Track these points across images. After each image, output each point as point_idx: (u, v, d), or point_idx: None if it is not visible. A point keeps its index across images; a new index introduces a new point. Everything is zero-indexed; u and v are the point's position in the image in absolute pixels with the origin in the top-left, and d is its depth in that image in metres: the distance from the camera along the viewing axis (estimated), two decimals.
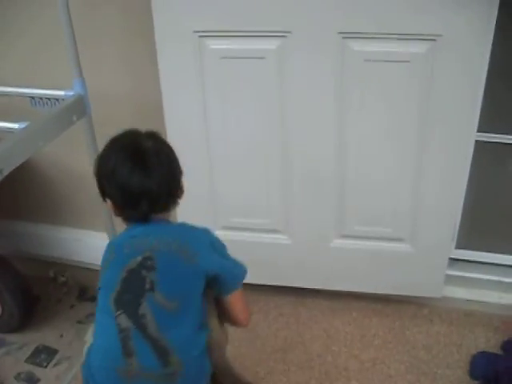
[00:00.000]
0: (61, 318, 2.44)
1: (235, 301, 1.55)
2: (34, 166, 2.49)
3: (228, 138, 2.05)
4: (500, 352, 2.10)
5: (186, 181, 2.11)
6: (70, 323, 2.40)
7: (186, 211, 2.20)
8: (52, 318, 2.43)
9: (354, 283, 2.29)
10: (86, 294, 2.56)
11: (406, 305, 2.33)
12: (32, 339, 2.30)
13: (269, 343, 2.20)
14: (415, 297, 2.30)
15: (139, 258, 1.41)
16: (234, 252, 2.22)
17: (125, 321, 1.38)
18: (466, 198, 2.18)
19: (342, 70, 1.86)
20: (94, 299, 2.34)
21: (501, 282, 2.27)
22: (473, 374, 2.03)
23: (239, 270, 1.54)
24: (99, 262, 1.51)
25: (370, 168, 2.02)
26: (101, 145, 2.15)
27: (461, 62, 1.80)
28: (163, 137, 1.55)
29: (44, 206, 2.62)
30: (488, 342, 2.16)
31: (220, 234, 2.20)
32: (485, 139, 2.10)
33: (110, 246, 1.53)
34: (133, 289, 1.40)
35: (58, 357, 2.23)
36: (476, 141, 2.08)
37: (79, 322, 2.40)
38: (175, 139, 2.03)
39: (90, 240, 2.58)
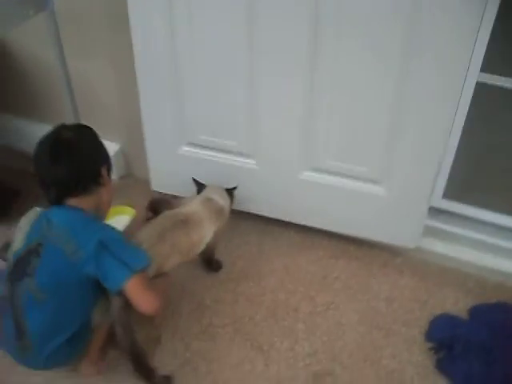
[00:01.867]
0: None
1: (132, 290, 1.50)
2: (12, 60, 2.37)
3: (195, 54, 1.87)
4: (465, 316, 1.92)
5: (153, 94, 1.99)
6: None
7: (152, 124, 2.08)
8: None
9: (323, 220, 2.13)
10: None
11: (379, 251, 2.15)
12: (4, 234, 2.23)
13: (224, 270, 2.09)
14: (390, 244, 2.12)
15: (35, 242, 1.52)
16: (200, 171, 2.10)
17: (7, 291, 1.54)
18: (461, 147, 1.94)
19: None
20: None
21: (484, 242, 2.06)
22: (429, 335, 1.88)
23: (123, 269, 1.49)
24: None
25: (345, 97, 1.80)
26: (67, 42, 2.03)
27: None
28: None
29: (23, 100, 2.51)
30: (456, 303, 1.98)
31: (186, 150, 2.11)
32: (489, 81, 1.82)
33: (37, 217, 1.60)
34: (21, 268, 1.52)
35: None
36: (478, 82, 1.82)
37: None
38: (141, 55, 1.91)
39: None
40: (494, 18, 1.65)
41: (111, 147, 2.37)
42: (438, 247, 2.11)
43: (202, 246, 1.86)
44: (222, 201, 1.96)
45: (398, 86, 1.72)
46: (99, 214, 1.67)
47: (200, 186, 2.03)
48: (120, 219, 2.21)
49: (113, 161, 2.32)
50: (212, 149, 2.08)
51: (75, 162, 1.55)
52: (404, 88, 1.72)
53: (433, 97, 1.72)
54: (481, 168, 2.10)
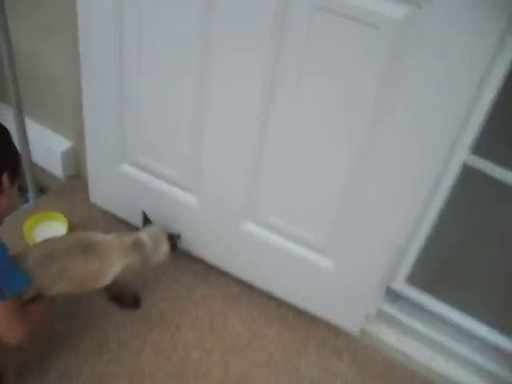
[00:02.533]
0: None
1: None
2: None
3: (142, 62, 1.62)
4: None
5: (96, 98, 1.75)
6: None
7: (94, 130, 1.85)
8: None
9: (261, 279, 1.87)
10: None
11: (320, 325, 1.86)
12: None
13: (142, 311, 1.84)
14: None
15: None
16: (138, 195, 1.87)
17: None
18: (438, 229, 1.65)
19: (283, 18, 1.34)
20: None
21: (440, 343, 1.77)
22: None
23: None
24: None
25: (298, 151, 1.53)
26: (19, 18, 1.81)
27: (454, 44, 1.22)
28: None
29: None
30: None
31: (127, 168, 1.87)
32: (477, 165, 1.52)
33: None
34: None
35: None
36: (465, 164, 1.52)
37: None
38: (86, 50, 1.69)
39: None
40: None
41: (63, 143, 2.17)
42: (388, 336, 1.83)
43: (105, 280, 1.60)
44: (147, 239, 1.71)
45: (360, 152, 1.44)
46: None
47: (145, 222, 1.81)
48: (55, 226, 2.01)
49: (62, 158, 2.13)
50: (153, 174, 1.83)
51: None
52: (366, 156, 1.44)
53: (399, 176, 1.44)
54: (456, 259, 1.79)
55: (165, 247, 1.75)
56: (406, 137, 1.37)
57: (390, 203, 1.48)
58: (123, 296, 1.80)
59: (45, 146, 2.17)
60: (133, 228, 1.90)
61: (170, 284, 1.93)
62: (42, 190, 2.17)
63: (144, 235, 1.72)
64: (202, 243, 1.89)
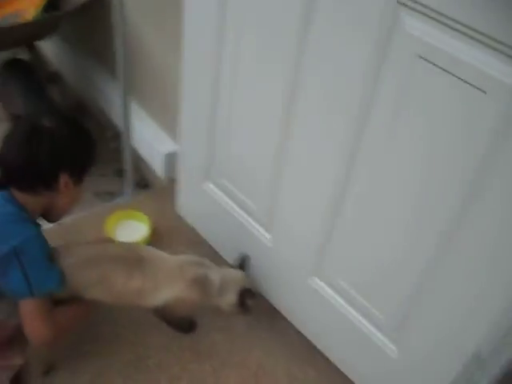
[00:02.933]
0: None
1: (24, 313, 1.32)
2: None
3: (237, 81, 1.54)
4: None
5: (194, 110, 1.70)
6: None
7: (188, 145, 1.82)
8: None
9: (321, 340, 1.69)
10: None
11: None
12: None
13: (193, 337, 1.73)
14: None
15: None
16: (217, 217, 1.80)
17: None
18: None
19: (379, 60, 1.16)
20: None
21: None
22: None
23: (24, 287, 1.29)
24: None
25: (377, 220, 1.34)
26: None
27: None
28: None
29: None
30: None
31: (211, 188, 1.79)
32: None
33: None
34: None
35: None
36: None
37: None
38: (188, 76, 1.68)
39: None
40: None
41: (169, 143, 2.12)
42: None
43: (150, 301, 1.51)
44: (217, 281, 1.56)
45: (445, 238, 1.21)
46: (47, 218, 1.46)
47: (239, 264, 1.70)
48: (139, 228, 1.98)
49: (166, 159, 2.09)
50: (233, 200, 1.75)
51: (32, 153, 1.31)
52: (452, 244, 1.20)
53: (486, 275, 1.18)
54: None
55: (231, 298, 1.58)
56: (498, 228, 1.12)
57: (469, 304, 1.23)
58: (175, 321, 1.70)
59: (151, 143, 2.16)
60: (212, 251, 1.88)
61: (230, 316, 1.80)
62: (140, 186, 2.17)
63: (215, 275, 1.57)
64: (269, 284, 1.75)
